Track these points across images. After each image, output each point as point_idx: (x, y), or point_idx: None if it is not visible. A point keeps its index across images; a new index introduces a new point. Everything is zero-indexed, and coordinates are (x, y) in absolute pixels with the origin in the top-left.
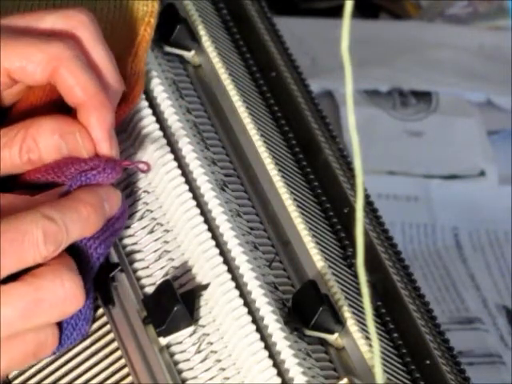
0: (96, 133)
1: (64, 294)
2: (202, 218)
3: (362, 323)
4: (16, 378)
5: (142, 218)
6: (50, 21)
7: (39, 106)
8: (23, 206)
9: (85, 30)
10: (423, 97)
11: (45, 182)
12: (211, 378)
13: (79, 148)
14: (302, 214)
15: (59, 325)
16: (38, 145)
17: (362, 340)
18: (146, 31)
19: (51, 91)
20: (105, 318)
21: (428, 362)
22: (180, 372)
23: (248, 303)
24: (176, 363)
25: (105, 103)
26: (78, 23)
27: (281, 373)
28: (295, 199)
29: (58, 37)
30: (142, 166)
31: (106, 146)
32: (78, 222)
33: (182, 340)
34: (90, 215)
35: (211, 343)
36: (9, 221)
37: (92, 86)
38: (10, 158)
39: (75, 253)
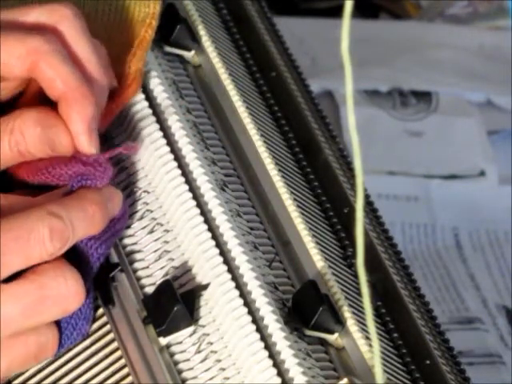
0: (75, 126)
1: (67, 291)
2: (201, 218)
3: (362, 323)
4: (16, 377)
5: (142, 218)
6: (34, 15)
7: (39, 100)
8: (27, 205)
9: (69, 23)
10: (423, 97)
11: (39, 184)
12: (211, 378)
13: (56, 142)
14: (302, 213)
15: (59, 325)
16: (24, 137)
17: (362, 340)
18: (147, 32)
19: None
20: (105, 318)
21: (428, 361)
22: (180, 372)
23: (248, 303)
24: (176, 363)
25: (87, 96)
26: (61, 17)
27: (281, 373)
28: (295, 199)
29: (39, 31)
30: (129, 147)
31: (85, 139)
32: (83, 220)
33: (182, 340)
34: (95, 213)
35: (211, 343)
36: (14, 218)
37: (73, 80)
38: (2, 151)
39: (76, 253)
